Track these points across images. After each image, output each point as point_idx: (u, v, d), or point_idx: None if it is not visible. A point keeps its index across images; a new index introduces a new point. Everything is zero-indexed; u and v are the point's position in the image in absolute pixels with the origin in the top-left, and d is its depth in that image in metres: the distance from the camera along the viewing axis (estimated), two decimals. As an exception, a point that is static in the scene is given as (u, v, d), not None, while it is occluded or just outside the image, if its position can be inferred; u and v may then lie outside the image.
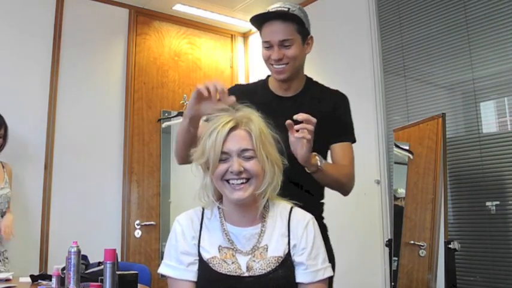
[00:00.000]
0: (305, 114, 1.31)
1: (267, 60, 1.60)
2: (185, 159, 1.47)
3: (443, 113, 2.25)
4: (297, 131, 1.31)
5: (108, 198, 3.28)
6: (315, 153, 1.41)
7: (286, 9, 1.55)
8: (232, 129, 1.21)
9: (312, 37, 1.64)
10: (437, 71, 2.64)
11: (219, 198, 1.29)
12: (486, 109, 2.44)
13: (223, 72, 3.94)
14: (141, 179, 3.41)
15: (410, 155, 2.50)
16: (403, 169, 2.52)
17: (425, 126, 2.36)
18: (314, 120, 1.31)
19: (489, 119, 2.43)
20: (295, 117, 1.31)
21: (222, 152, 1.19)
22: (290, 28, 1.55)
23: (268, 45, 1.57)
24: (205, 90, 1.28)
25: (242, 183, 1.19)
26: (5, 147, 2.69)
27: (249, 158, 1.20)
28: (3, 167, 2.74)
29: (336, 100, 1.67)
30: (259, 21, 1.58)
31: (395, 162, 2.66)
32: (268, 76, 1.72)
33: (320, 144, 1.46)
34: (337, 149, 1.62)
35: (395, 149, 2.64)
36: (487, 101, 2.44)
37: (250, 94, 1.53)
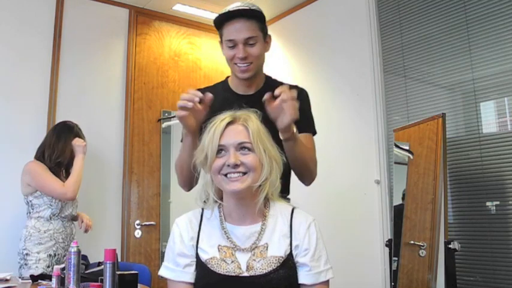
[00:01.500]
0: (280, 88, 1.37)
1: (231, 60, 1.61)
2: (192, 181, 1.50)
3: (443, 113, 2.25)
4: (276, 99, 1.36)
5: (108, 198, 3.28)
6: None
7: (247, 7, 1.57)
8: (229, 123, 1.24)
9: (270, 36, 1.67)
10: (437, 71, 2.65)
11: (220, 197, 1.29)
12: (486, 109, 2.44)
13: (223, 72, 3.92)
14: (141, 179, 3.41)
15: (410, 155, 2.50)
16: (403, 169, 2.52)
17: (425, 126, 2.36)
18: (293, 92, 1.38)
19: (489, 119, 2.43)
20: (276, 92, 1.36)
21: (219, 146, 1.21)
22: (254, 26, 1.58)
23: (232, 44, 1.59)
24: (185, 105, 1.36)
25: (239, 175, 1.20)
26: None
27: (246, 152, 1.22)
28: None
29: (296, 96, 1.68)
30: (222, 20, 1.61)
31: (395, 162, 2.66)
32: (228, 77, 1.75)
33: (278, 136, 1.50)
34: (301, 138, 1.64)
35: (395, 149, 2.64)
36: (487, 101, 2.44)
37: (212, 98, 1.54)
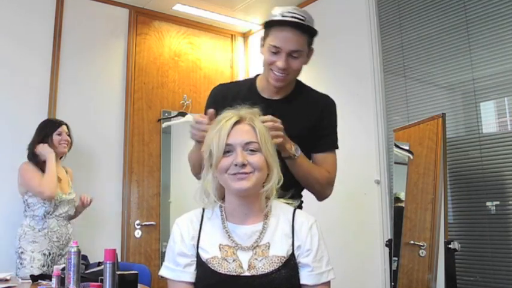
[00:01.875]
0: (269, 117, 1.35)
1: (269, 65, 1.56)
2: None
3: (443, 113, 2.25)
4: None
5: (108, 198, 3.28)
6: (293, 143, 1.47)
7: (303, 19, 1.51)
8: (236, 123, 1.24)
9: (313, 49, 1.62)
10: (437, 71, 2.64)
11: (221, 197, 1.29)
12: (486, 109, 2.44)
13: (223, 72, 3.94)
14: (141, 179, 3.41)
15: (410, 155, 2.50)
16: (403, 169, 2.52)
17: (425, 126, 2.36)
18: (277, 123, 1.37)
19: (489, 119, 2.43)
20: (261, 120, 1.33)
21: (226, 145, 1.20)
22: (303, 40, 1.53)
23: (276, 50, 1.52)
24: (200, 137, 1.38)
25: (245, 174, 1.20)
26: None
27: (253, 152, 1.22)
28: (66, 172, 2.76)
29: (324, 107, 1.66)
30: (273, 23, 1.54)
31: (395, 162, 2.66)
32: (257, 75, 1.71)
33: (303, 148, 1.51)
34: (319, 157, 1.63)
35: (395, 149, 2.64)
36: (487, 101, 2.44)
37: (232, 95, 1.55)
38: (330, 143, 1.66)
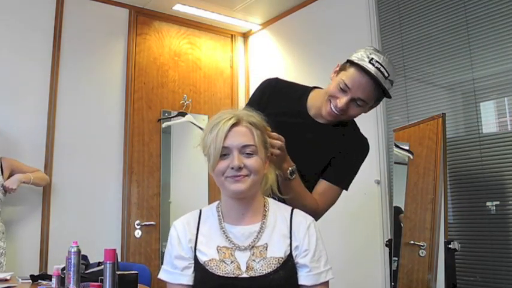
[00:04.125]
0: (276, 135, 1.33)
1: (331, 96, 1.51)
2: None
3: (443, 113, 2.25)
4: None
5: (108, 198, 3.28)
6: (293, 165, 1.42)
7: (386, 76, 1.45)
8: (233, 125, 1.22)
9: (378, 104, 1.57)
10: (437, 71, 2.64)
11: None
12: (486, 109, 2.44)
13: (223, 72, 3.94)
14: (141, 179, 3.40)
15: (410, 155, 2.50)
16: (403, 169, 2.51)
17: (425, 126, 2.36)
18: (280, 143, 1.34)
19: (489, 119, 2.43)
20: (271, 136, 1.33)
21: (223, 147, 1.20)
22: (375, 95, 1.48)
23: (345, 88, 1.47)
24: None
25: (241, 177, 1.19)
26: None
27: (250, 155, 1.21)
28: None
29: (357, 148, 1.62)
30: (356, 64, 1.47)
31: (395, 162, 2.66)
32: (314, 88, 1.66)
33: (314, 166, 1.50)
34: (322, 185, 1.57)
35: (395, 149, 2.64)
36: (487, 101, 2.44)
37: (284, 94, 1.55)
38: (343, 179, 1.59)
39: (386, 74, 1.44)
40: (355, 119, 1.64)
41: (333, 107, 1.50)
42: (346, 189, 1.61)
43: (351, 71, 1.48)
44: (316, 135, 1.54)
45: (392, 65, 1.49)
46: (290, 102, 1.60)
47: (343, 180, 1.60)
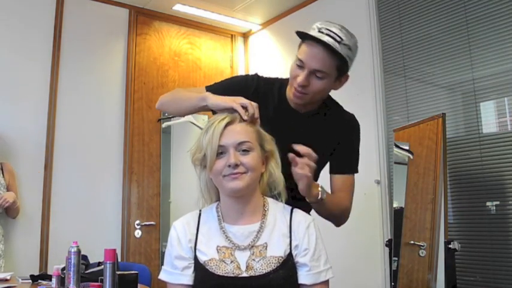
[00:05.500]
0: (305, 148, 1.27)
1: (292, 78, 1.46)
2: (170, 112, 1.52)
3: (443, 113, 2.25)
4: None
5: (108, 198, 3.28)
6: (319, 184, 1.38)
7: (339, 40, 1.37)
8: (228, 124, 1.23)
9: (348, 76, 1.49)
10: (437, 71, 2.64)
11: (218, 197, 1.30)
12: (486, 109, 2.44)
13: (223, 72, 3.93)
14: (141, 179, 3.41)
15: (410, 155, 2.50)
16: (403, 169, 2.52)
17: (425, 126, 2.36)
18: (314, 156, 1.28)
19: (489, 119, 2.43)
20: (296, 148, 1.28)
21: (219, 146, 1.20)
22: (332, 63, 1.40)
23: (301, 64, 1.42)
24: (244, 114, 1.26)
25: (238, 174, 1.20)
26: None
27: (246, 152, 1.21)
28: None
29: (349, 129, 1.58)
30: (306, 36, 1.42)
31: (395, 162, 2.66)
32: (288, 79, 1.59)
33: (320, 163, 1.40)
34: (339, 180, 1.55)
35: (395, 149, 2.64)
36: (487, 101, 2.44)
37: (265, 94, 1.49)
38: (351, 166, 1.57)
39: (338, 39, 1.37)
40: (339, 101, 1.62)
41: (295, 86, 1.44)
42: (357, 171, 1.59)
43: (303, 46, 1.44)
44: (306, 127, 1.51)
45: (347, 31, 1.41)
46: (273, 101, 1.55)
47: (353, 166, 1.58)
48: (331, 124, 1.55)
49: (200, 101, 1.42)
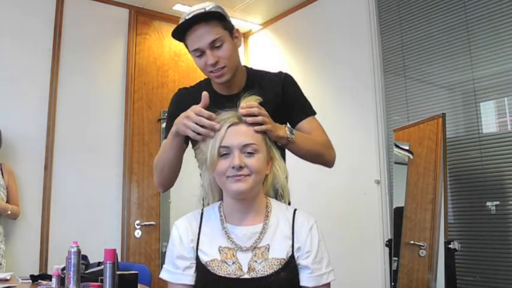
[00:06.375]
0: (244, 109, 1.24)
1: (204, 69, 1.52)
2: (171, 182, 1.54)
3: (443, 113, 2.26)
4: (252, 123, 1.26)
5: (108, 198, 3.28)
6: (284, 125, 1.40)
7: (201, 9, 1.46)
8: (233, 124, 1.21)
9: (238, 30, 1.55)
10: (437, 71, 2.65)
11: (220, 196, 1.29)
12: (486, 109, 2.44)
13: (223, 72, 3.93)
14: (141, 179, 3.41)
15: (410, 155, 2.50)
16: (403, 169, 2.52)
17: (425, 126, 2.36)
18: (255, 105, 1.26)
19: (489, 119, 2.43)
20: (240, 112, 1.26)
21: (223, 147, 1.19)
22: (215, 27, 1.46)
23: (199, 52, 1.49)
24: (199, 136, 1.24)
25: (242, 176, 1.18)
26: None
27: (251, 154, 1.20)
28: None
29: (282, 83, 1.61)
30: (181, 32, 1.49)
31: (395, 162, 2.66)
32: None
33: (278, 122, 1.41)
34: (304, 126, 1.56)
35: (395, 149, 2.64)
36: (487, 101, 2.44)
37: (195, 98, 1.45)
38: (306, 109, 1.60)
39: (201, 7, 1.45)
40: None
41: (212, 70, 1.50)
42: (315, 112, 1.62)
43: (187, 40, 1.51)
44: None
45: (206, 1, 1.50)
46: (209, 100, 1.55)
47: (307, 109, 1.61)
48: (265, 90, 1.56)
49: (174, 141, 1.41)
